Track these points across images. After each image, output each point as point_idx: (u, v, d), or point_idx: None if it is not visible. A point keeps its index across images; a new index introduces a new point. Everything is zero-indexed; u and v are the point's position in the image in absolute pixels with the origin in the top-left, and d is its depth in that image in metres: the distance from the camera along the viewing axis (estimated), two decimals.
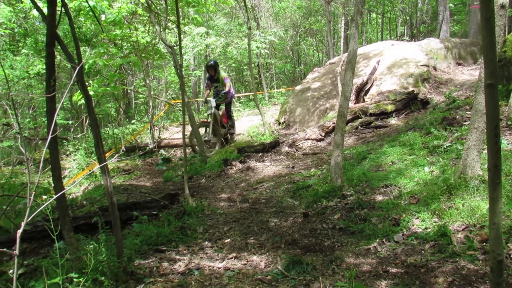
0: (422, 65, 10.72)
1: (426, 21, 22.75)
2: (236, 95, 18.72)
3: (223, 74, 9.57)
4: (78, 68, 2.54)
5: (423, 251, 3.49)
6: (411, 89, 9.78)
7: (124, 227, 4.56)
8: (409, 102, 9.09)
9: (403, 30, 25.05)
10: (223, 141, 9.79)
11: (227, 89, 9.30)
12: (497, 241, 1.83)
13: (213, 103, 9.21)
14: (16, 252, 1.40)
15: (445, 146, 5.60)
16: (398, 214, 4.24)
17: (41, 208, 1.63)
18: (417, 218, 4.08)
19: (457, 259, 3.21)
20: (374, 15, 26.60)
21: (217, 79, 9.55)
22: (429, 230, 3.81)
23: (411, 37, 21.84)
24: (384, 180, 5.20)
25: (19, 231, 1.41)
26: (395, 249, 3.61)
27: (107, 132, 11.35)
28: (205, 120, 9.58)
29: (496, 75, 1.79)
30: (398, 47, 12.38)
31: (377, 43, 15.42)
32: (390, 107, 8.98)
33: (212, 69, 9.41)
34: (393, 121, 8.69)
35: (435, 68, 11.41)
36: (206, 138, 9.34)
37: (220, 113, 9.79)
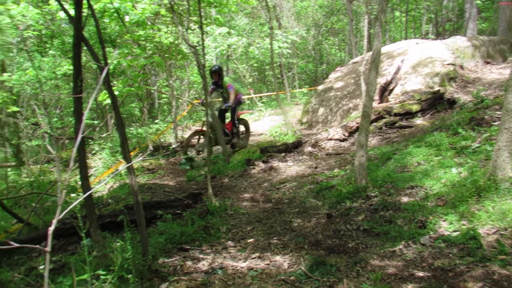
0: (448, 64, 10.51)
1: (452, 19, 22.27)
2: (257, 95, 18.74)
3: (227, 80, 9.16)
4: (106, 68, 2.57)
5: (451, 255, 3.42)
6: (437, 88, 9.60)
7: (149, 225, 4.61)
8: (435, 102, 8.92)
9: (428, 29, 24.61)
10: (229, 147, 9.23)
11: (230, 101, 8.88)
12: None
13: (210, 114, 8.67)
14: (48, 248, 1.43)
15: (473, 147, 5.47)
16: (424, 216, 4.16)
17: (71, 207, 1.66)
18: (445, 220, 3.99)
19: (488, 264, 3.13)
20: (397, 14, 26.21)
21: (221, 85, 9.17)
22: (457, 233, 3.72)
23: (437, 36, 21.44)
24: (410, 181, 5.11)
25: (51, 228, 1.44)
26: (422, 252, 3.55)
27: (131, 131, 11.51)
28: (200, 128, 9.14)
29: None
30: (423, 46, 12.17)
31: (401, 42, 15.19)
32: (415, 107, 8.83)
33: (216, 75, 9.08)
34: (418, 121, 8.55)
35: (462, 67, 11.16)
36: (200, 149, 9.06)
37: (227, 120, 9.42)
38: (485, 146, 5.36)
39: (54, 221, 1.50)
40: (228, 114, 9.54)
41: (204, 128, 8.76)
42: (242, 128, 10.05)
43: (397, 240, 3.84)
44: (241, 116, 10.02)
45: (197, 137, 9.11)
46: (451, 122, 6.95)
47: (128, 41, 10.60)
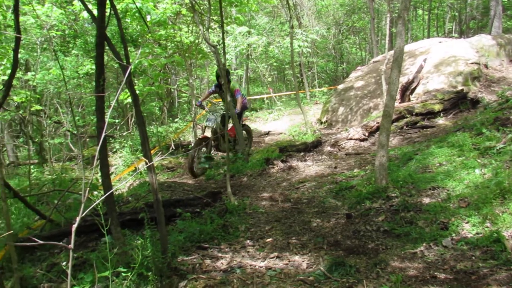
0: (472, 63, 10.30)
1: (476, 17, 21.84)
2: (276, 94, 18.71)
3: (234, 85, 8.49)
4: (129, 68, 2.60)
5: (473, 257, 3.35)
6: (460, 88, 9.42)
7: (168, 223, 4.64)
8: (458, 102, 8.75)
9: (451, 27, 24.19)
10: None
11: (238, 108, 8.14)
12: None
13: (211, 119, 8.01)
14: (71, 245, 1.45)
15: (497, 148, 5.34)
16: (446, 217, 4.08)
17: (95, 204, 1.68)
18: (467, 222, 3.91)
19: None
20: (420, 12, 25.83)
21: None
22: (480, 235, 3.64)
23: (460, 34, 21.05)
24: (431, 182, 5.02)
25: (74, 226, 1.46)
26: (443, 254, 3.48)
27: (151, 130, 11.63)
28: (205, 136, 8.31)
29: None
30: (446, 44, 11.96)
31: (423, 40, 14.97)
32: (437, 107, 8.68)
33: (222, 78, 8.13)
34: (440, 121, 8.40)
35: (486, 66, 10.93)
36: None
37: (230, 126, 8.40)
38: (510, 147, 5.23)
39: (78, 219, 1.52)
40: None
41: (207, 134, 8.33)
42: (244, 134, 9.24)
43: (418, 241, 3.78)
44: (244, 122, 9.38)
45: (203, 145, 8.31)
46: (474, 122, 6.81)
47: (149, 41, 10.72)
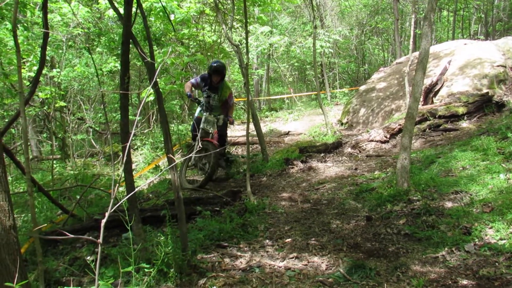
0: (498, 66, 10.08)
1: (503, 19, 21.37)
2: (297, 94, 18.66)
3: (229, 87, 7.37)
4: (158, 66, 2.63)
5: (497, 263, 3.28)
6: (485, 91, 9.23)
7: (188, 221, 4.69)
8: (483, 105, 8.57)
9: (477, 29, 23.72)
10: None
11: (231, 116, 7.28)
12: None
13: (211, 122, 7.00)
14: (100, 240, 1.48)
15: None
16: (469, 222, 4.01)
17: (122, 201, 1.71)
18: (491, 227, 3.83)
19: None
20: (445, 13, 25.40)
21: (216, 89, 7.10)
22: (504, 241, 3.57)
23: (486, 36, 20.63)
24: (454, 186, 4.94)
25: (103, 221, 1.49)
26: (466, 259, 3.42)
27: (172, 128, 11.74)
28: (206, 138, 6.95)
29: None
30: (471, 47, 11.73)
31: (448, 42, 14.72)
32: (461, 110, 8.53)
33: (217, 76, 6.97)
34: (464, 124, 8.25)
35: None
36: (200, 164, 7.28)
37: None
38: None
39: (107, 214, 1.56)
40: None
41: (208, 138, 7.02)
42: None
43: (440, 246, 3.72)
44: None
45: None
46: (499, 126, 6.66)
47: (172, 40, 10.82)
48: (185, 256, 3.45)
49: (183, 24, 10.16)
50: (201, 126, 6.91)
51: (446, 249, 3.64)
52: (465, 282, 3.09)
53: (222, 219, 4.79)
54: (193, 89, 7.21)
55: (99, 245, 1.49)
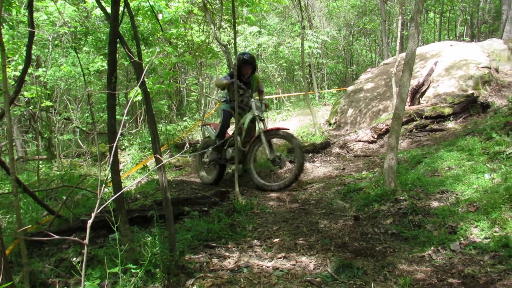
0: (483, 67, 10.22)
1: (488, 21, 21.67)
2: (285, 95, 18.70)
3: (259, 77, 6.87)
4: (145, 66, 2.61)
5: (482, 262, 3.32)
6: (470, 91, 9.36)
7: (176, 221, 4.66)
8: (468, 106, 8.69)
9: (462, 30, 24.03)
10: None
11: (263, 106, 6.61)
12: None
13: (258, 106, 6.45)
14: (86, 241, 1.46)
15: (507, 153, 5.30)
16: (455, 221, 4.06)
17: (109, 202, 1.70)
18: (476, 227, 3.89)
19: None
20: (431, 15, 25.68)
21: (248, 82, 6.59)
22: (489, 240, 3.62)
23: (472, 38, 20.90)
24: (440, 185, 4.99)
25: (90, 221, 1.47)
26: (452, 258, 3.46)
27: (160, 128, 11.69)
28: (254, 135, 6.48)
29: None
30: (457, 48, 11.88)
31: (434, 43, 14.88)
32: (447, 110, 8.63)
33: (248, 67, 6.47)
34: (450, 124, 8.35)
35: (497, 70, 10.85)
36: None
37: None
38: None
39: (93, 215, 1.54)
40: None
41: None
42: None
43: (426, 245, 3.76)
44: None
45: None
46: (484, 127, 6.76)
47: (160, 39, 10.77)
48: (173, 257, 3.44)
49: (171, 24, 10.12)
50: (255, 113, 6.28)
51: (432, 248, 3.68)
52: (450, 280, 3.12)
53: (210, 219, 4.78)
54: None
55: (85, 246, 1.47)
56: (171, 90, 13.14)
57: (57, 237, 1.67)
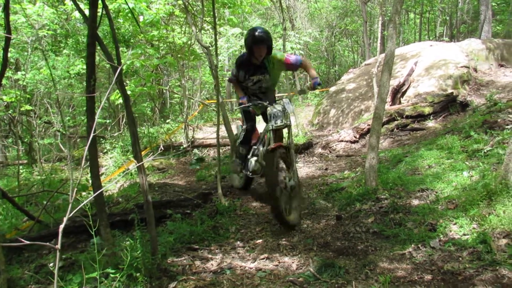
0: (462, 67, 10.41)
1: (466, 21, 22.07)
2: None
3: (280, 54, 5.06)
4: (119, 69, 2.60)
5: (461, 258, 3.38)
6: (450, 91, 9.52)
7: (158, 224, 4.64)
8: (448, 105, 8.83)
9: (442, 31, 24.41)
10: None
11: (317, 76, 5.01)
12: None
13: (279, 115, 4.82)
14: (58, 246, 1.45)
15: (485, 151, 5.40)
16: (434, 219, 4.12)
17: (82, 204, 1.68)
18: (455, 224, 3.95)
19: (497, 268, 3.09)
20: (412, 15, 26.03)
21: (262, 66, 5.05)
22: (467, 236, 3.68)
23: (451, 38, 21.25)
24: (421, 184, 5.07)
25: (61, 226, 1.46)
26: (431, 255, 3.52)
27: (143, 131, 11.60)
28: (278, 144, 4.72)
29: None
30: (437, 48, 12.08)
31: (414, 43, 15.09)
32: (427, 110, 8.76)
33: (262, 48, 4.79)
34: (430, 123, 8.48)
35: (475, 70, 11.05)
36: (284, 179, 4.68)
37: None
38: (497, 150, 5.29)
39: (65, 219, 1.52)
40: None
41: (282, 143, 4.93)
42: None
43: (406, 243, 3.81)
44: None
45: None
46: (463, 125, 6.88)
47: (141, 41, 10.69)
48: (155, 260, 3.42)
49: (153, 26, 10.05)
50: (273, 124, 4.76)
51: (412, 245, 3.73)
52: (430, 277, 3.17)
53: (193, 221, 4.77)
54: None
55: (57, 251, 1.46)
56: (154, 93, 13.03)
57: (28, 242, 1.64)
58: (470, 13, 22.03)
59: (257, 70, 5.11)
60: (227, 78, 6.07)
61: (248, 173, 5.41)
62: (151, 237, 3.55)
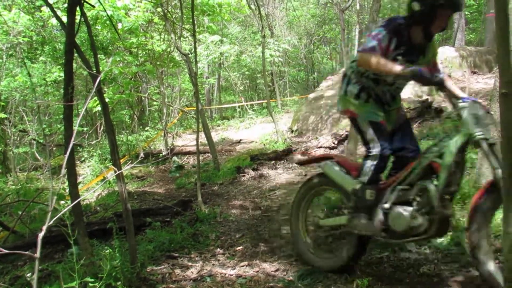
0: None
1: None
2: (248, 103, 18.83)
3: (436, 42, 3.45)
4: (99, 78, 2.59)
5: (436, 261, 3.46)
6: (425, 97, 9.72)
7: (138, 233, 4.60)
8: (423, 111, 9.01)
9: None
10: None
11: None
12: (511, 251, 1.82)
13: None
14: (37, 255, 1.44)
15: None
16: None
17: (61, 214, 1.67)
18: None
19: (471, 269, 3.18)
20: None
21: (420, 48, 3.19)
22: (442, 239, 3.77)
23: None
24: None
25: (41, 234, 1.45)
26: (408, 258, 3.59)
27: (121, 139, 11.49)
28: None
29: (511, 84, 1.79)
30: None
31: None
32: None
33: (448, 15, 3.10)
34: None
35: (449, 76, 11.30)
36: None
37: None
38: (469, 154, 5.42)
39: (44, 228, 1.51)
40: None
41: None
42: None
43: (385, 247, 3.87)
44: None
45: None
46: (437, 131, 7.04)
47: (120, 49, 10.62)
48: (134, 269, 3.39)
49: (132, 33, 10.01)
50: (476, 133, 2.75)
51: (390, 249, 3.79)
52: (407, 280, 3.23)
53: (172, 229, 4.75)
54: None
55: (36, 260, 1.45)
56: (132, 100, 12.96)
57: (6, 251, 1.62)
58: (452, 22, 22.56)
59: (413, 51, 3.17)
60: (360, 49, 3.11)
61: (381, 231, 3.13)
62: (130, 246, 3.52)
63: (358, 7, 17.40)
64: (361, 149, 8.08)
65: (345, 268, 3.40)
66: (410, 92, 10.12)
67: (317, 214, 3.73)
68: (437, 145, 3.09)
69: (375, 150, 3.21)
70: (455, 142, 2.92)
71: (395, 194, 3.10)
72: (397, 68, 2.89)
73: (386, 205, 3.10)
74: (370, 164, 3.23)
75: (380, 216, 3.12)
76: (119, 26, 8.76)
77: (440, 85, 3.06)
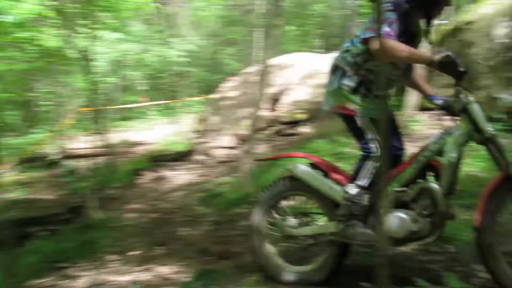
0: None
1: (338, 35, 24.02)
2: (151, 103, 18.36)
3: None
4: None
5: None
6: (321, 99, 10.23)
7: (20, 244, 4.24)
8: (319, 112, 9.48)
9: (318, 43, 26.21)
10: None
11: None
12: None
13: None
14: None
15: (346, 152, 5.93)
16: None
17: None
18: None
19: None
20: (290, 27, 27.55)
21: (417, 35, 2.94)
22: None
23: (326, 49, 22.91)
24: None
25: None
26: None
27: (8, 142, 10.54)
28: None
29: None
30: (312, 59, 12.89)
31: (292, 54, 15.94)
32: (302, 116, 9.32)
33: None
34: (304, 129, 9.02)
35: None
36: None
37: None
38: (354, 151, 5.84)
39: None
40: None
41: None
42: None
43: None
44: None
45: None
46: (329, 131, 7.48)
47: (5, 44, 9.75)
48: (16, 284, 3.13)
49: (20, 27, 9.20)
50: (488, 130, 2.60)
51: None
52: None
53: (62, 238, 4.46)
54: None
55: None
56: (22, 99, 11.97)
57: None
58: (342, 27, 24.02)
59: (413, 37, 2.92)
60: (375, 34, 2.49)
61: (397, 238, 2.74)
62: (10, 258, 3.24)
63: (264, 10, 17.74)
64: (261, 148, 8.29)
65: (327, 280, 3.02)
66: (309, 93, 10.56)
67: (286, 223, 3.28)
68: (436, 142, 2.80)
69: (378, 150, 2.85)
70: (458, 138, 2.72)
71: (389, 197, 2.77)
72: (427, 54, 2.72)
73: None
74: (371, 165, 2.90)
75: (374, 220, 2.80)
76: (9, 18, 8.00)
77: (464, 76, 2.65)
